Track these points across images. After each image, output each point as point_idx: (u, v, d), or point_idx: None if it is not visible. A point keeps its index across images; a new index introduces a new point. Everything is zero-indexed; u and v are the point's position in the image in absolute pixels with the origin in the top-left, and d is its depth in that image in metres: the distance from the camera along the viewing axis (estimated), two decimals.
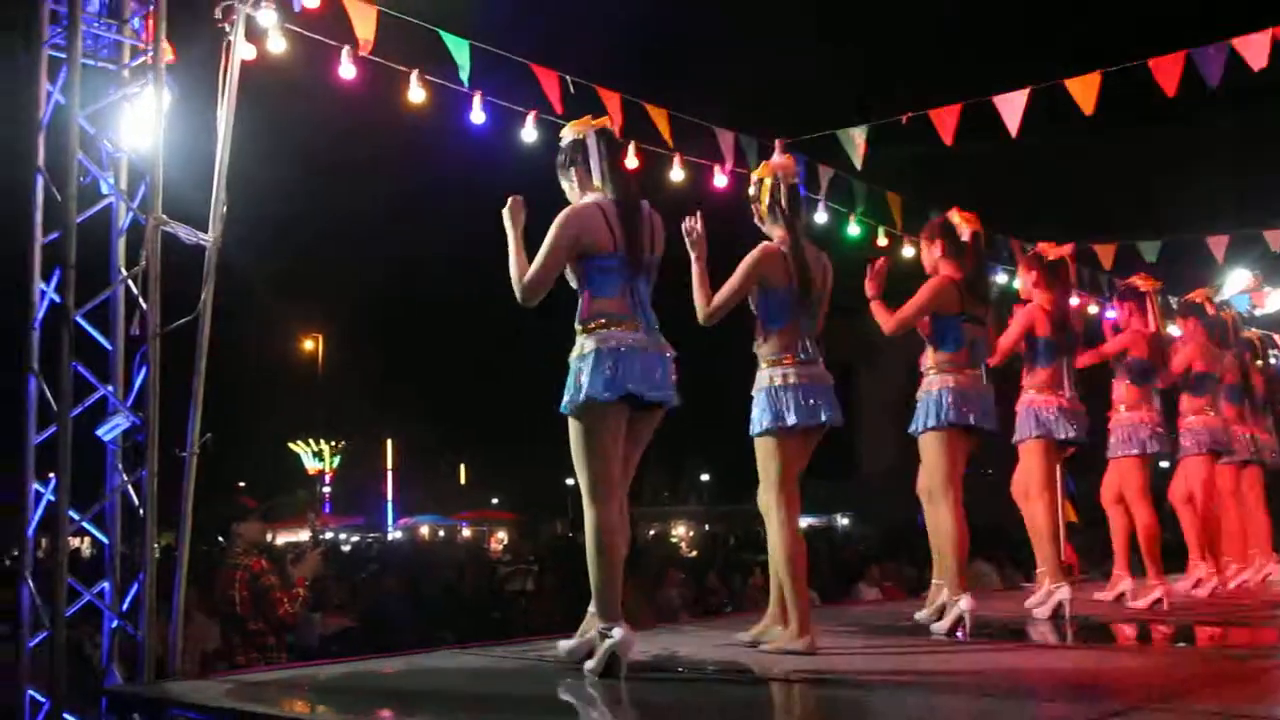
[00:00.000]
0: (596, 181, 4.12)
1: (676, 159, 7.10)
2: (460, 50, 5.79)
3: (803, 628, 4.41)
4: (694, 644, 4.84)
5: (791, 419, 4.48)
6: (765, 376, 4.59)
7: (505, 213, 4.19)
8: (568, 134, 4.25)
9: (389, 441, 38.98)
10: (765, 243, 4.69)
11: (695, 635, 5.29)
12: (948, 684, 3.97)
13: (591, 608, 3.98)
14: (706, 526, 34.59)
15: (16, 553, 5.52)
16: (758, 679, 3.97)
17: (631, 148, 6.81)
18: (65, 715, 4.67)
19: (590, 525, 3.90)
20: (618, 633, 3.80)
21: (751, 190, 4.87)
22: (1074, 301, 7.40)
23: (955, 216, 5.57)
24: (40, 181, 4.78)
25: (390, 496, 37.81)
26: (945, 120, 6.83)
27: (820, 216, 8.13)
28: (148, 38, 4.87)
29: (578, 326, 4.03)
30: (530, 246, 4.08)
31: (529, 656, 4.67)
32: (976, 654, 4.66)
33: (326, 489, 36.41)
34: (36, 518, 4.79)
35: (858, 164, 7.34)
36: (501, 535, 36.31)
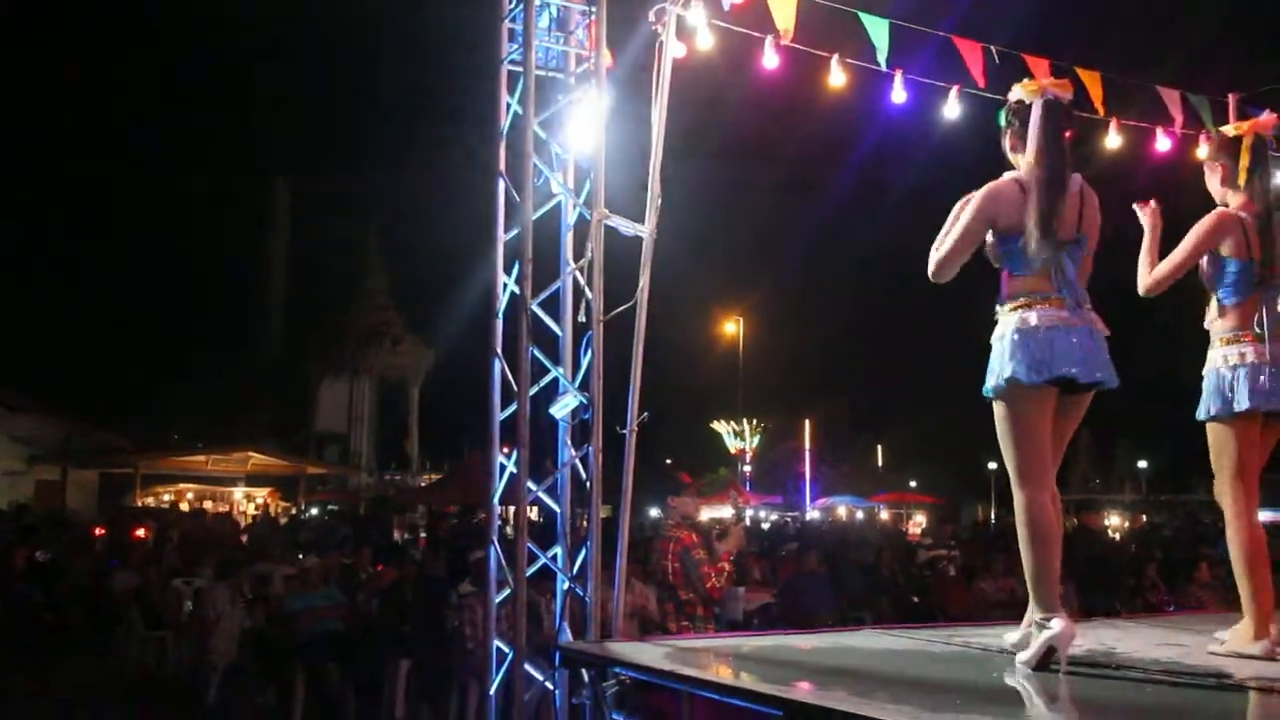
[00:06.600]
0: (1029, 153, 3.89)
1: (1113, 124, 6.65)
2: (879, 30, 5.76)
3: (1259, 629, 4.01)
4: (1135, 641, 4.54)
5: (1242, 403, 4.09)
6: (1218, 356, 4.21)
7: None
8: (1015, 93, 4.03)
9: (806, 422, 39.51)
10: (1220, 209, 4.28)
11: (1134, 632, 4.96)
12: None
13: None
14: (1144, 517, 32.17)
15: (483, 515, 6.17)
16: (1221, 683, 3.64)
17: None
18: (526, 666, 5.20)
19: (1021, 510, 3.76)
20: (1056, 624, 3.63)
21: (1209, 150, 4.42)
22: None
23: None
24: (501, 185, 5.35)
25: (808, 476, 38.32)
26: None
27: None
28: (591, 46, 5.28)
29: (999, 306, 3.91)
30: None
31: (954, 642, 4.59)
32: None
33: (747, 467, 37.57)
34: (500, 486, 5.36)
35: None
36: (920, 518, 35.79)
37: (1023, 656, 3.74)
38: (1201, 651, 4.18)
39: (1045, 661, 3.67)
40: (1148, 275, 4.28)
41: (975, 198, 3.86)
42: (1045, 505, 3.74)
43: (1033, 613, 3.76)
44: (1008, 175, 3.94)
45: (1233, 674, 3.69)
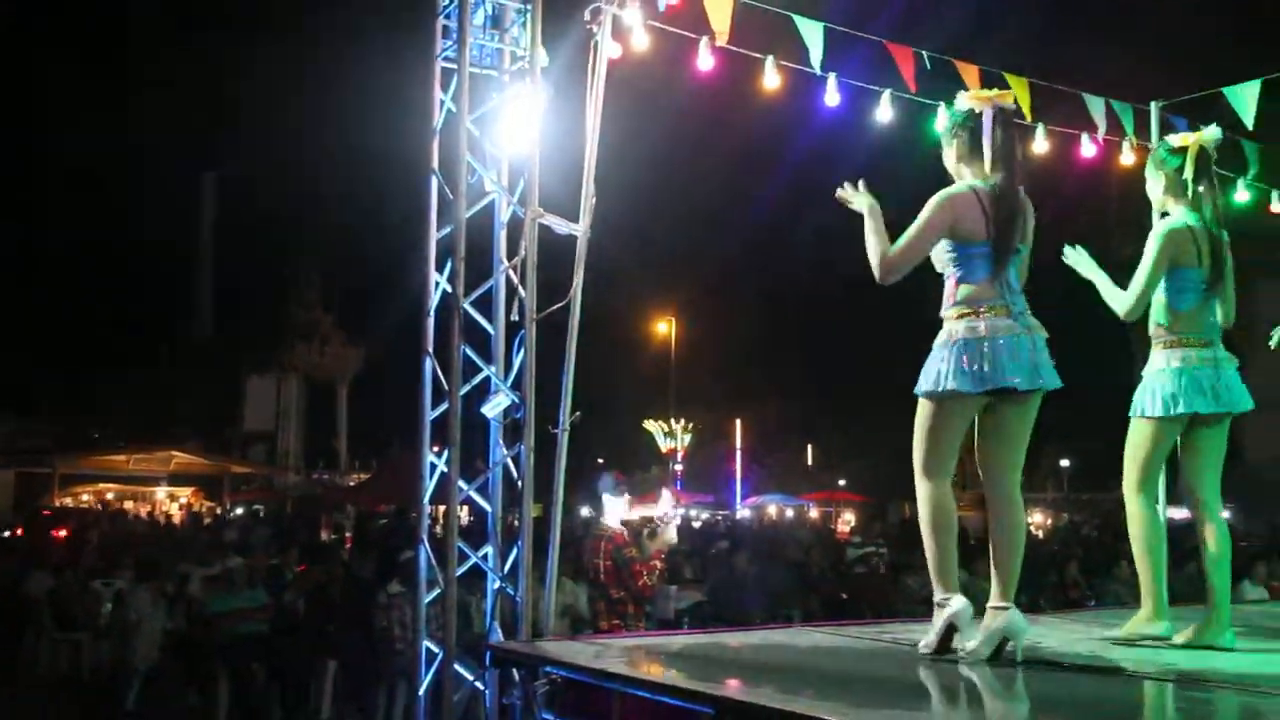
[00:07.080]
0: (985, 163, 3.93)
1: (1040, 130, 6.77)
2: (813, 33, 5.80)
3: (1158, 610, 4.26)
4: (1057, 636, 4.64)
5: (1159, 407, 4.23)
6: (1160, 358, 4.33)
7: (849, 198, 4.08)
8: (963, 102, 4.06)
9: (737, 421, 39.71)
10: (1167, 220, 4.38)
11: (1057, 628, 5.06)
12: None
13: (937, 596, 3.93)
14: (1066, 516, 32.84)
15: (414, 515, 6.11)
16: (1129, 675, 3.75)
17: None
18: (456, 665, 5.16)
19: (923, 499, 3.91)
20: (955, 602, 3.79)
21: (1152, 159, 4.52)
22: None
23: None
24: (434, 182, 5.31)
25: (739, 475, 38.52)
26: None
27: None
28: (526, 44, 5.26)
29: (944, 313, 3.93)
30: (892, 226, 3.96)
31: (883, 639, 4.65)
32: None
33: (678, 466, 37.66)
34: (431, 486, 5.31)
35: (1249, 123, 6.63)
36: (848, 517, 36.16)
37: (926, 640, 3.86)
38: (1120, 646, 4.30)
39: (948, 639, 3.81)
40: (1123, 301, 4.29)
41: (932, 204, 3.87)
42: (944, 495, 3.92)
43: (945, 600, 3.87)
44: (962, 184, 3.96)
45: (1130, 667, 3.83)
